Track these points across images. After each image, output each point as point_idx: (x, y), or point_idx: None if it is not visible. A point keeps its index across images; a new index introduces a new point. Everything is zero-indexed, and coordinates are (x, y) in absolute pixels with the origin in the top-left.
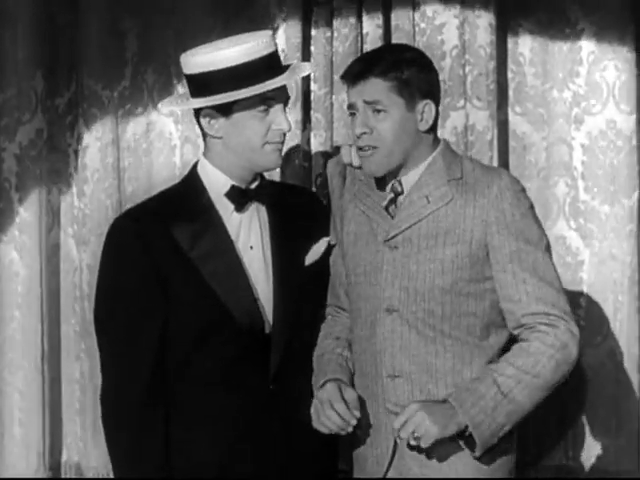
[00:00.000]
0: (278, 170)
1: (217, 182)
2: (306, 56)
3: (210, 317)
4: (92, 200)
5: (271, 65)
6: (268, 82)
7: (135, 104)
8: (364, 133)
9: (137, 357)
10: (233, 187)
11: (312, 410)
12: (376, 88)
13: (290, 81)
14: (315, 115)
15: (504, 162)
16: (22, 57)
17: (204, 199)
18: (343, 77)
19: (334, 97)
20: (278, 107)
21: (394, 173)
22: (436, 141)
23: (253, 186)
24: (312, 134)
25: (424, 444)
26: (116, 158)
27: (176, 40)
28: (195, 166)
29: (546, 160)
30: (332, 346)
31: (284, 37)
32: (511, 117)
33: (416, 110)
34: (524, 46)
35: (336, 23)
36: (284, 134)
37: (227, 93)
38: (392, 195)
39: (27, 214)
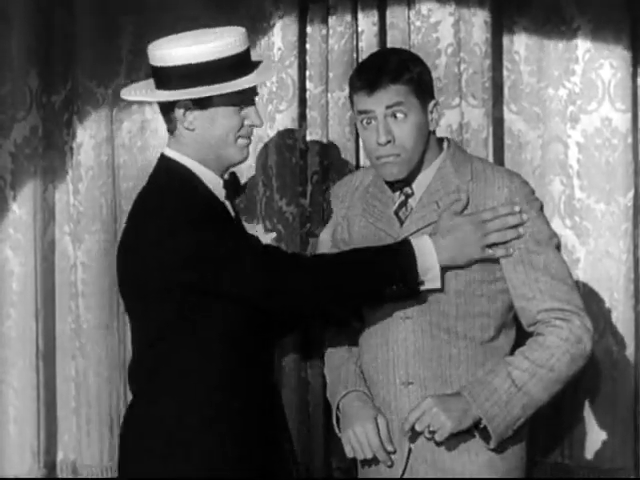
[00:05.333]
0: (274, 169)
1: (208, 176)
2: (302, 54)
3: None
4: (86, 198)
5: (247, 61)
6: (248, 78)
7: (130, 102)
8: (388, 142)
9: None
10: (225, 180)
11: (345, 440)
12: (396, 92)
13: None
14: (311, 113)
15: (499, 160)
16: (17, 54)
17: (203, 188)
18: (360, 88)
19: (330, 95)
20: (251, 103)
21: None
22: (440, 141)
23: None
24: (308, 132)
25: (439, 438)
26: (110, 156)
27: None
28: (167, 158)
29: (541, 158)
30: (346, 357)
31: (280, 35)
32: (506, 115)
33: (427, 110)
34: (519, 44)
35: (331, 21)
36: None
37: (209, 86)
38: (403, 198)
39: (22, 212)
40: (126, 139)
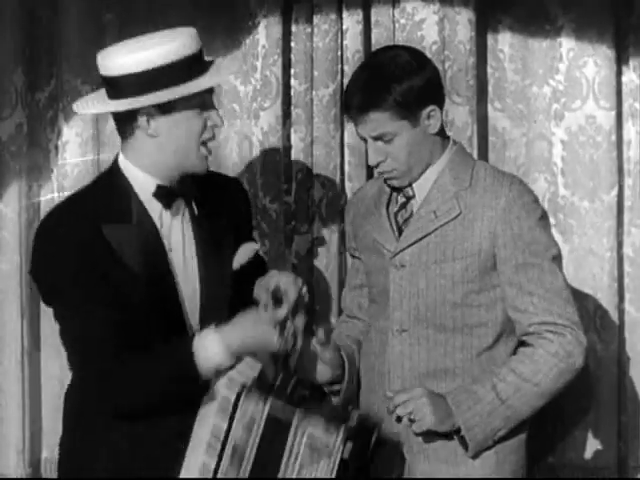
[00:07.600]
0: (258, 166)
1: (143, 182)
2: (286, 52)
3: (137, 318)
4: None
5: (202, 62)
6: (206, 79)
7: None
8: (379, 162)
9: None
10: (159, 187)
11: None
12: (378, 122)
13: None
14: (295, 111)
15: (484, 158)
16: (2, 52)
17: (133, 200)
18: (346, 113)
19: (314, 92)
20: (211, 104)
21: None
22: (446, 140)
23: (177, 183)
24: (292, 130)
25: (417, 429)
26: (96, 153)
27: None
28: (117, 164)
29: (526, 156)
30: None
31: (265, 33)
32: (491, 113)
33: (421, 121)
34: (504, 42)
35: (316, 19)
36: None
37: (171, 89)
38: (404, 199)
39: (7, 210)
40: (111, 137)
